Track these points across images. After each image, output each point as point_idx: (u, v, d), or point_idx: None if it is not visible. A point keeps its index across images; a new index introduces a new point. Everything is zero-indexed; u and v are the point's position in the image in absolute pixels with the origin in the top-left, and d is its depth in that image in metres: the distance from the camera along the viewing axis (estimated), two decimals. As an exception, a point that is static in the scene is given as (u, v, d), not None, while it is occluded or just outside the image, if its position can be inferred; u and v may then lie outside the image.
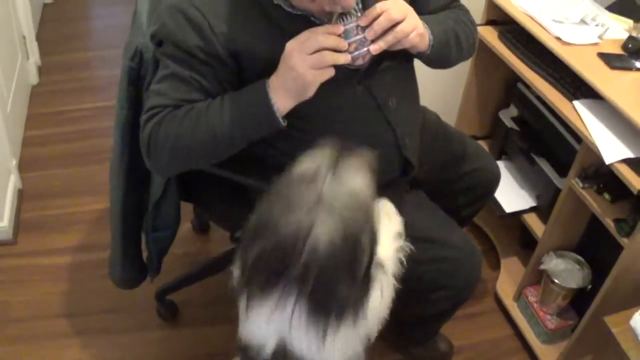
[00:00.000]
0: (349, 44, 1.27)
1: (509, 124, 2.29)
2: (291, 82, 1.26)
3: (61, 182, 2.67)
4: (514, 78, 2.20)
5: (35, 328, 2.11)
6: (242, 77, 1.36)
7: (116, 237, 1.77)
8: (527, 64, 1.99)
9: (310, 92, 1.28)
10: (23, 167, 2.68)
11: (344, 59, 1.26)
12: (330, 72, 1.26)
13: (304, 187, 1.10)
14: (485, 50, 2.18)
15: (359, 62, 1.30)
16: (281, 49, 1.28)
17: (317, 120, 1.42)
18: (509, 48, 2.08)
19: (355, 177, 1.13)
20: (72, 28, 3.82)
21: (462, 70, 2.34)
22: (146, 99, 1.51)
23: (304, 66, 1.24)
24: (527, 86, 2.15)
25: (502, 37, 2.12)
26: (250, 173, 1.56)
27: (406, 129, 1.55)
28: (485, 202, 1.92)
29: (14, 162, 2.54)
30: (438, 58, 1.51)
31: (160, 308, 2.14)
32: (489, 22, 2.20)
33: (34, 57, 3.24)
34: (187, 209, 2.06)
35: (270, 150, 1.50)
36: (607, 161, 1.63)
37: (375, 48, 1.30)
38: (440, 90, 2.52)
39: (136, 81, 1.55)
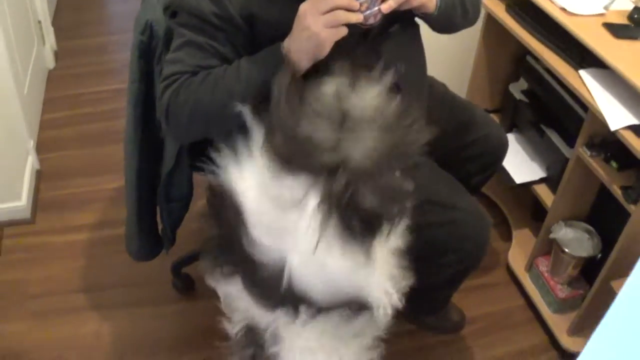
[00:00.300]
0: (361, 4, 1.30)
1: (519, 96, 2.31)
2: (306, 42, 1.29)
3: (78, 162, 2.72)
4: (523, 51, 2.22)
5: (53, 303, 2.16)
6: (255, 42, 1.39)
7: (131, 210, 1.82)
8: (534, 36, 2.01)
9: (325, 52, 1.30)
10: (41, 148, 2.73)
11: (356, 17, 1.29)
12: (344, 31, 1.29)
13: (330, 104, 1.12)
14: (494, 24, 2.20)
15: (371, 21, 1.33)
16: (293, 13, 1.31)
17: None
18: (516, 21, 2.09)
19: (374, 92, 1.15)
20: (86, 14, 3.88)
21: (472, 44, 2.36)
22: (157, 72, 1.56)
23: (318, 25, 1.26)
24: (536, 59, 2.16)
25: (510, 10, 2.13)
26: None
27: (414, 95, 1.58)
28: (494, 169, 1.94)
29: (31, 144, 2.59)
30: (445, 20, 1.53)
31: (176, 281, 2.18)
32: (497, -5, 2.21)
33: (50, 42, 3.29)
34: (202, 186, 2.10)
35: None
36: (612, 128, 1.64)
37: (386, 7, 1.32)
38: (450, 65, 2.54)
39: (147, 55, 1.59)
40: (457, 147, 1.83)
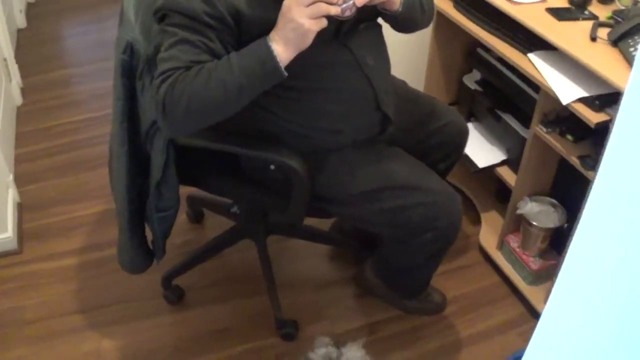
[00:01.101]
0: None
1: (473, 86, 2.45)
2: (291, 33, 1.43)
3: (57, 191, 2.79)
4: (474, 44, 2.37)
5: (51, 327, 2.22)
6: (242, 39, 1.51)
7: (123, 224, 1.90)
8: (482, 27, 2.15)
9: (309, 41, 1.45)
10: (19, 182, 2.78)
11: (335, 10, 1.44)
12: (324, 22, 1.44)
13: None
14: (444, 20, 2.34)
15: (347, 13, 1.47)
16: (276, 12, 1.45)
17: (307, 77, 1.60)
18: (464, 15, 2.24)
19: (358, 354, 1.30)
20: (47, 49, 3.94)
21: (425, 41, 2.50)
22: (139, 88, 1.66)
23: (302, 16, 1.41)
24: (487, 50, 2.31)
25: (458, 5, 2.28)
26: (246, 144, 1.72)
27: (382, 86, 1.72)
28: (457, 155, 2.07)
29: (10, 177, 2.65)
30: (407, 18, 1.68)
31: (167, 293, 2.26)
32: (444, -6, 2.36)
33: (16, 79, 3.35)
34: (181, 203, 2.21)
35: (267, 114, 1.65)
36: (564, 102, 1.79)
37: (360, 1, 1.46)
38: (406, 62, 2.67)
39: (129, 73, 1.69)
40: (422, 137, 1.96)
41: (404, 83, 2.03)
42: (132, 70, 1.69)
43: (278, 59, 1.45)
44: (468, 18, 2.22)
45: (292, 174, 1.69)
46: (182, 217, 2.59)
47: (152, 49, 1.61)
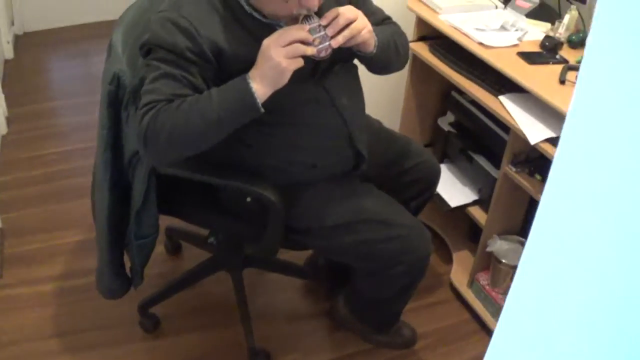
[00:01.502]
0: (314, 39, 1.55)
1: (447, 128, 2.54)
2: (269, 71, 1.52)
3: (39, 219, 2.83)
4: (448, 87, 2.46)
5: (28, 349, 2.24)
6: (223, 76, 1.60)
7: (103, 250, 1.95)
8: (456, 71, 2.25)
9: (285, 79, 1.53)
10: (1, 209, 2.82)
11: (311, 50, 1.54)
12: (301, 62, 1.53)
13: None
14: (419, 64, 2.44)
15: (323, 53, 1.57)
16: (255, 50, 1.54)
17: (283, 113, 1.68)
18: (439, 59, 2.34)
19: None
20: (33, 81, 4.01)
21: (401, 83, 2.60)
22: (124, 118, 1.73)
23: (280, 55, 1.50)
24: (461, 93, 2.41)
25: (433, 49, 2.38)
26: (224, 175, 1.79)
27: (356, 124, 1.80)
28: (430, 193, 2.15)
29: (-7, 203, 2.70)
30: (382, 59, 1.77)
31: (143, 321, 2.30)
32: (420, 38, 2.46)
33: (2, 108, 3.41)
34: (160, 235, 2.28)
35: (244, 147, 1.73)
36: (532, 142, 1.87)
37: (336, 42, 1.57)
38: (383, 103, 2.77)
39: (115, 103, 1.76)
40: (395, 175, 2.04)
41: (379, 123, 2.11)
42: (117, 101, 1.75)
43: (256, 96, 1.53)
44: (442, 62, 2.32)
45: (268, 205, 1.76)
46: (160, 248, 2.63)
47: (137, 81, 1.69)
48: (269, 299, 2.47)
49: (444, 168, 2.48)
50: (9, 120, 3.49)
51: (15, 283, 2.51)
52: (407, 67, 2.49)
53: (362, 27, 1.62)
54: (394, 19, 1.94)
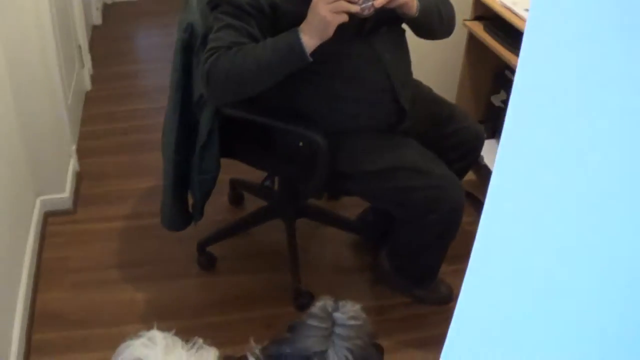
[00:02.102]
0: None
1: (499, 105, 2.67)
2: (316, 24, 1.73)
3: (113, 167, 3.08)
4: (502, 66, 2.59)
5: (91, 277, 2.48)
6: (277, 28, 1.81)
7: (168, 184, 2.17)
8: (509, 50, 2.37)
9: (330, 32, 1.73)
10: (80, 155, 3.08)
11: (354, 8, 1.72)
12: (345, 17, 1.73)
13: (319, 322, 1.51)
14: (475, 42, 2.57)
15: (366, 12, 1.75)
16: (306, 8, 1.75)
17: (331, 66, 1.87)
18: (494, 38, 2.47)
19: (354, 311, 1.53)
20: (117, 45, 4.30)
21: (458, 61, 2.73)
22: (195, 63, 1.93)
23: (326, 10, 1.70)
24: (513, 72, 2.52)
25: (488, 29, 2.51)
26: (280, 119, 2.00)
27: (400, 80, 1.97)
28: (472, 158, 2.28)
29: (73, 147, 2.95)
30: (424, 24, 1.94)
31: (200, 259, 2.51)
32: (476, 18, 2.60)
33: (88, 66, 3.69)
34: (224, 186, 2.56)
35: (296, 94, 1.93)
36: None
37: (378, 2, 1.74)
38: (439, 79, 2.90)
39: (187, 49, 1.97)
40: (440, 137, 2.19)
41: (429, 88, 2.26)
42: (190, 47, 1.96)
43: (304, 45, 1.74)
44: (496, 41, 2.44)
45: (317, 149, 1.94)
46: (223, 198, 2.84)
47: (205, 30, 1.90)
48: (319, 250, 2.65)
49: (493, 143, 2.60)
50: (93, 79, 3.76)
51: (87, 219, 2.76)
52: (463, 45, 2.64)
53: None
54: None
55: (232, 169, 2.56)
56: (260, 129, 2.09)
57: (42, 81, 2.55)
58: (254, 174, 2.76)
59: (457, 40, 2.49)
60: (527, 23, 0.64)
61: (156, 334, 1.67)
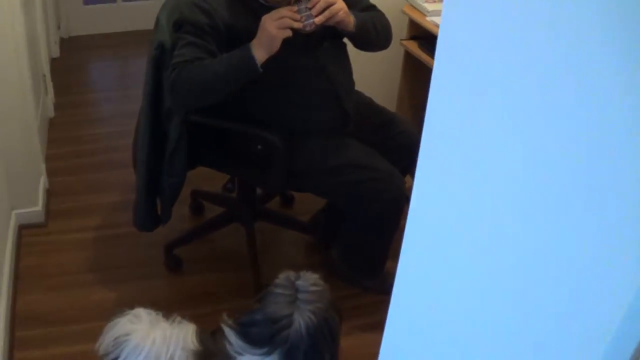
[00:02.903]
0: (301, 17, 2.05)
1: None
2: (264, 39, 2.03)
3: (80, 184, 3.29)
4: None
5: (66, 281, 2.69)
6: (232, 45, 2.10)
7: (140, 188, 2.40)
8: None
9: (276, 45, 2.03)
10: (49, 174, 3.28)
11: (297, 24, 2.03)
12: (289, 32, 2.04)
13: (283, 290, 1.76)
14: (411, 59, 2.89)
15: (308, 28, 2.07)
16: (257, 26, 2.05)
17: (281, 76, 2.18)
18: (428, 55, 2.78)
19: (314, 279, 1.79)
20: (76, 76, 4.53)
21: (396, 76, 3.05)
22: (166, 77, 2.19)
23: (272, 26, 2.01)
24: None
25: (422, 47, 2.83)
26: (242, 123, 2.29)
27: (343, 88, 2.29)
28: (412, 158, 2.56)
29: (43, 165, 3.16)
30: (362, 37, 2.27)
31: (167, 260, 2.73)
32: (412, 37, 2.92)
33: (51, 94, 3.89)
34: (186, 198, 2.85)
35: (253, 102, 2.24)
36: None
37: (318, 19, 2.06)
38: (379, 93, 3.21)
39: (158, 64, 2.23)
40: (382, 139, 2.47)
41: (370, 99, 2.56)
42: (160, 63, 2.22)
43: (255, 58, 2.04)
44: (430, 57, 2.76)
45: (273, 150, 2.21)
46: (185, 209, 3.08)
47: (171, 47, 2.19)
48: (276, 250, 2.91)
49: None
50: (56, 107, 3.97)
51: (58, 231, 2.97)
52: (400, 61, 2.96)
53: (339, 9, 2.12)
54: (391, 20, 2.42)
55: (192, 182, 2.82)
56: (222, 135, 2.35)
57: (17, 105, 2.77)
58: (212, 186, 3.04)
59: (395, 57, 2.81)
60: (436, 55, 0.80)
61: (140, 311, 1.90)
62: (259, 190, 2.84)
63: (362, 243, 2.47)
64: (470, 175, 0.80)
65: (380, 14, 2.37)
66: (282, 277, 1.83)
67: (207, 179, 3.07)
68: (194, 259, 2.81)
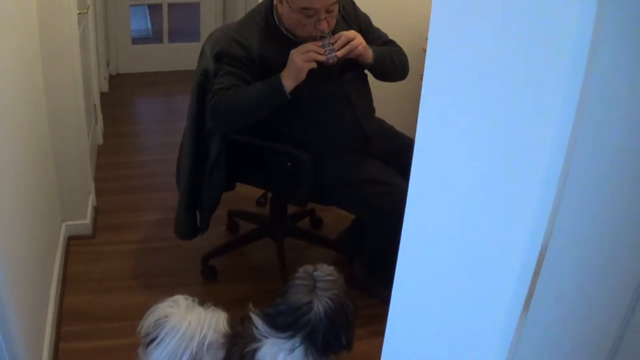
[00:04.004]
0: (325, 51, 2.34)
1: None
2: (292, 69, 2.33)
3: (125, 203, 3.59)
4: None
5: (110, 284, 2.96)
6: (265, 74, 2.40)
7: (182, 200, 2.68)
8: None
9: (303, 76, 2.33)
10: (96, 194, 3.58)
11: (321, 57, 2.33)
12: (314, 64, 2.33)
13: (303, 281, 2.02)
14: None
15: (331, 61, 2.36)
16: (287, 58, 2.35)
17: (308, 103, 2.47)
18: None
19: (330, 270, 2.04)
20: (123, 110, 4.89)
21: (415, 107, 3.30)
22: (209, 99, 2.48)
23: (299, 59, 2.31)
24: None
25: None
26: (275, 141, 2.56)
27: (363, 112, 2.58)
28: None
29: (92, 185, 3.46)
30: (380, 69, 2.55)
31: (204, 269, 2.99)
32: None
33: (100, 123, 4.23)
34: (223, 218, 3.13)
35: (284, 125, 2.53)
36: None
37: (339, 53, 2.35)
38: (401, 122, 3.47)
39: (203, 89, 2.53)
40: (400, 161, 2.70)
41: (391, 126, 2.83)
42: (204, 87, 2.52)
43: (284, 87, 2.34)
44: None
45: (302, 167, 2.48)
46: (222, 228, 3.34)
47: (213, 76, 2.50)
48: (303, 264, 3.08)
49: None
50: (104, 136, 4.30)
51: (104, 242, 3.25)
52: (419, 94, 3.21)
53: (358, 43, 2.41)
54: (411, 57, 2.70)
55: (228, 203, 3.13)
56: (257, 153, 2.62)
57: (73, 127, 3.08)
58: (247, 207, 3.31)
59: (415, 90, 3.05)
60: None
61: (179, 297, 2.16)
62: (289, 209, 3.09)
63: (381, 254, 2.69)
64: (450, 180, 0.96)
65: (398, 49, 2.65)
66: (301, 270, 2.07)
67: (243, 201, 3.34)
68: (228, 269, 3.06)
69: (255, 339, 2.03)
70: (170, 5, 5.45)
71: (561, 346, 0.97)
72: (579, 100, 0.68)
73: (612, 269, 0.95)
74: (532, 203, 0.77)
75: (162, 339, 2.04)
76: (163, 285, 2.95)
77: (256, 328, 2.04)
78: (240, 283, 2.99)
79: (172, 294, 2.88)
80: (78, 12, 3.06)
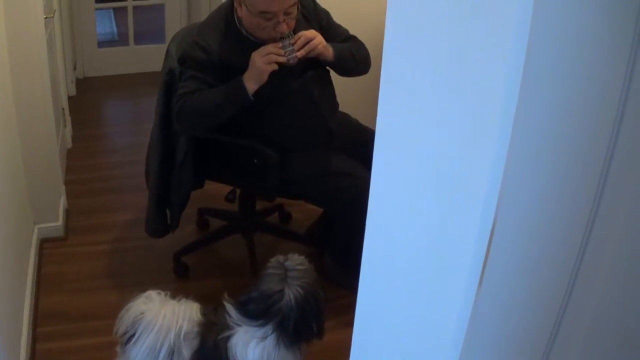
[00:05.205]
0: (285, 52, 2.41)
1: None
2: (253, 72, 2.40)
3: (96, 205, 3.63)
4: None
5: (84, 285, 3.01)
6: (227, 78, 2.47)
7: (152, 198, 2.73)
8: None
9: (264, 77, 2.40)
10: (67, 197, 3.61)
11: (281, 59, 2.40)
12: (275, 66, 2.40)
13: (274, 270, 2.10)
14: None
15: (291, 61, 2.43)
16: (247, 60, 2.42)
17: (272, 101, 2.53)
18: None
19: (300, 260, 2.12)
20: (91, 112, 4.91)
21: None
22: (174, 103, 2.54)
23: (260, 62, 2.38)
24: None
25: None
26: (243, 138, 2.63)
27: (326, 108, 2.65)
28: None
29: (63, 188, 3.49)
30: (341, 65, 2.63)
31: (176, 266, 3.05)
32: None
33: (69, 127, 4.25)
34: (192, 215, 3.19)
35: (250, 124, 2.59)
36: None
37: (299, 53, 2.43)
38: (365, 114, 3.54)
39: (169, 89, 2.59)
40: (364, 153, 2.78)
41: (356, 120, 2.90)
42: (170, 87, 2.58)
43: (247, 89, 2.41)
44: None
45: (268, 162, 2.55)
46: (192, 226, 3.40)
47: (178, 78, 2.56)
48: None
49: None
50: (73, 139, 4.33)
51: (77, 244, 3.30)
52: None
53: (317, 43, 2.49)
54: (372, 51, 2.75)
55: (198, 201, 3.18)
56: (224, 150, 2.69)
57: (42, 131, 3.12)
58: (216, 204, 3.37)
59: (378, 82, 3.14)
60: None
61: (151, 293, 2.22)
62: (258, 205, 3.16)
63: (349, 245, 2.76)
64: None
65: (360, 44, 2.72)
66: (273, 260, 2.14)
67: (212, 198, 3.40)
68: (200, 266, 3.12)
69: (228, 327, 2.10)
70: (135, 8, 5.47)
71: (512, 319, 1.01)
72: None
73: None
74: (481, 186, 0.82)
75: (139, 335, 2.10)
76: (136, 284, 2.98)
77: (229, 316, 2.11)
78: (211, 279, 3.05)
79: (145, 292, 2.96)
80: (45, 16, 3.10)
